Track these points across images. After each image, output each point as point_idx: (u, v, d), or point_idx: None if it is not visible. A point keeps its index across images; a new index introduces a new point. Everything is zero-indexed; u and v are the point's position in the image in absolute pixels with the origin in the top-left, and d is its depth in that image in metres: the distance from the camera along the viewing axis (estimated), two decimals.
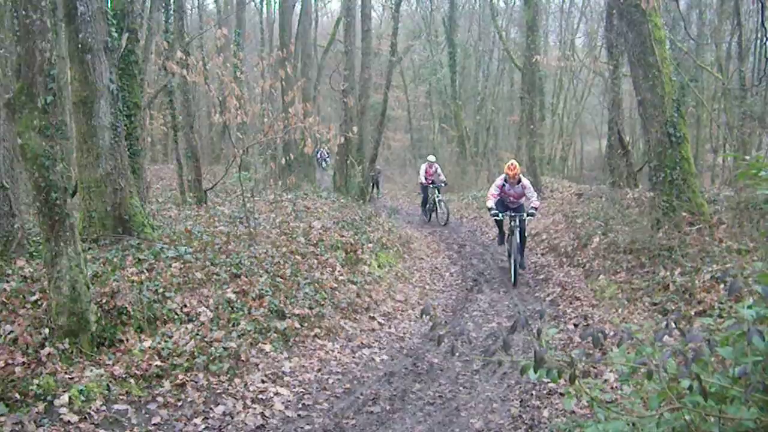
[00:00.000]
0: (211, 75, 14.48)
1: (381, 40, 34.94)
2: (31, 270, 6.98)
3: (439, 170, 19.70)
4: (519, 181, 11.32)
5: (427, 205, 19.89)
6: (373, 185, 25.95)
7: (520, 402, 6.02)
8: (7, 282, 6.58)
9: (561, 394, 5.99)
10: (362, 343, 7.89)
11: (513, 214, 11.36)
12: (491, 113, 37.69)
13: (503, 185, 11.39)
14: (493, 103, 38.32)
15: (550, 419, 5.52)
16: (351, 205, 16.38)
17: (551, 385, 6.17)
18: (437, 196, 19.15)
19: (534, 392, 6.17)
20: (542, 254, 13.35)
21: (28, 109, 5.50)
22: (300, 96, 10.43)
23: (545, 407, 5.80)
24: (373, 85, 28.01)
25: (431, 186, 19.36)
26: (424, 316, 2.96)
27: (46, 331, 5.74)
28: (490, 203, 11.42)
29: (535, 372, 2.66)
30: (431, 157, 20.34)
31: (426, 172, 19.70)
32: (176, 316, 6.77)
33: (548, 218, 15.85)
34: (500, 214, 11.45)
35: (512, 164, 11.30)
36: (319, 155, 36.02)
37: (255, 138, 12.10)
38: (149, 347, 6.09)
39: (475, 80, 39.63)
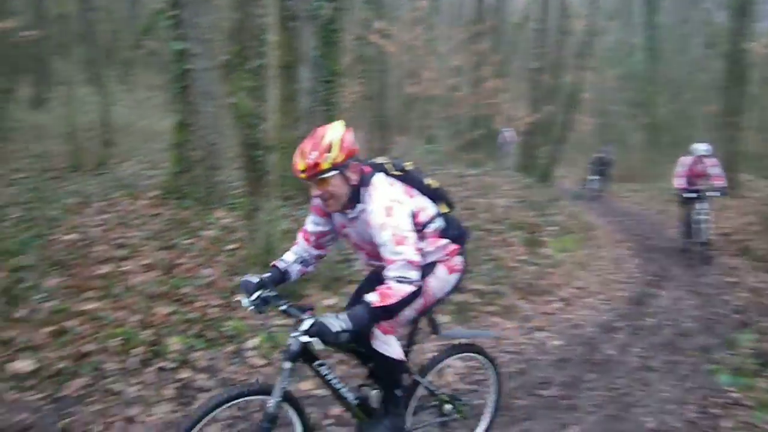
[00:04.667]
0: (406, 46, 14.70)
1: (576, 19, 33.86)
2: (230, 221, 7.48)
3: (716, 170, 11.48)
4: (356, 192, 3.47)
5: (692, 225, 11.61)
6: (597, 175, 20.94)
7: (699, 407, 5.69)
8: (209, 230, 7.10)
9: (747, 405, 5.59)
10: (538, 325, 7.77)
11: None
12: (689, 102, 35.41)
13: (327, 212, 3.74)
14: (692, 91, 35.94)
15: (734, 430, 5.17)
16: (535, 186, 16.12)
17: (735, 395, 5.78)
18: (698, 212, 11.29)
19: (715, 399, 5.81)
20: (733, 256, 12.44)
21: (240, 71, 5.87)
22: (492, 72, 10.36)
23: (726, 417, 5.44)
24: (565, 65, 27.29)
25: (697, 195, 11.42)
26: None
27: (239, 279, 6.15)
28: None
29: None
30: (702, 147, 11.64)
31: (690, 172, 11.67)
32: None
33: (742, 218, 14.75)
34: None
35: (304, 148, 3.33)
36: (507, 137, 35.17)
37: (445, 111, 12.18)
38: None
39: (676, 66, 37.32)
